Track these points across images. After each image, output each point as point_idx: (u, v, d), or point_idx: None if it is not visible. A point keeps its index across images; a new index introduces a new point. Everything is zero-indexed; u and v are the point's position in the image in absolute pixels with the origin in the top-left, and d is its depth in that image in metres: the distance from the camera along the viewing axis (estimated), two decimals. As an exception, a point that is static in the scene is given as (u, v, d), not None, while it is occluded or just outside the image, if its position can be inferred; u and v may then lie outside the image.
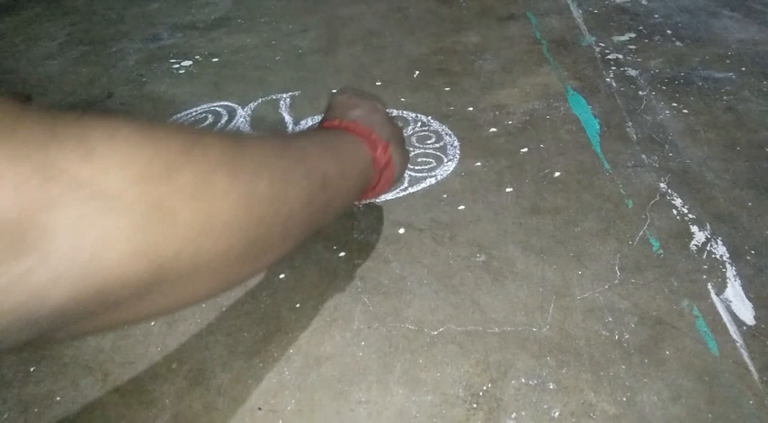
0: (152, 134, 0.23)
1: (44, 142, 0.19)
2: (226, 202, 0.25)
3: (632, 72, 0.89)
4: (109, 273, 0.20)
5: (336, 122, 0.44)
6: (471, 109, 0.82)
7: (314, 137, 0.39)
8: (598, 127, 0.76)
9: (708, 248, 0.56)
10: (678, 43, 0.98)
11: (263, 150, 0.30)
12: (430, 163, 0.72)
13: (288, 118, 0.84)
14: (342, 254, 0.58)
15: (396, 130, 0.49)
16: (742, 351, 0.46)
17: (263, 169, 0.29)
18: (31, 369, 0.49)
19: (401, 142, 0.50)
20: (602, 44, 0.99)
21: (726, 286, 0.52)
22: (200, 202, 0.24)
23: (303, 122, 0.82)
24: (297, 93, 0.91)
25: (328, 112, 0.49)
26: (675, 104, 0.80)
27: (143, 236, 0.21)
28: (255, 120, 0.84)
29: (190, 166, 0.24)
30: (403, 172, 0.51)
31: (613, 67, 0.91)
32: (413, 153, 0.74)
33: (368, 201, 0.47)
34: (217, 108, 0.88)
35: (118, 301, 0.22)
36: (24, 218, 0.18)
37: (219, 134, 0.29)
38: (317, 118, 0.83)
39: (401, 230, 0.61)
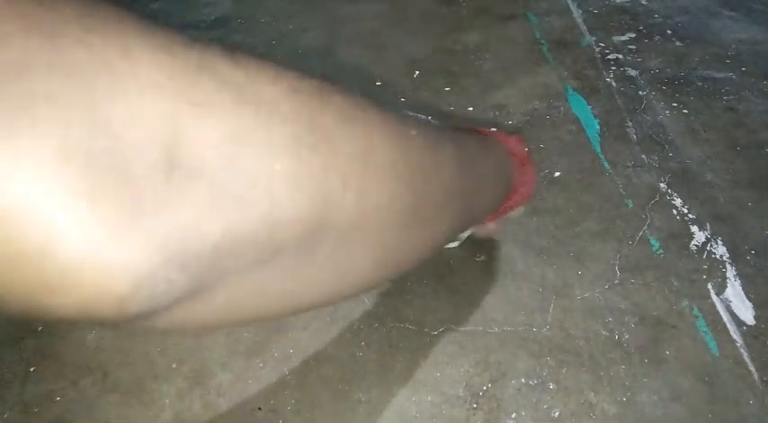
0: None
1: (191, 44, 0.16)
2: (381, 137, 0.22)
3: (632, 72, 0.89)
4: (273, 198, 0.17)
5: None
6: (471, 109, 0.82)
7: (448, 131, 0.36)
8: (598, 127, 0.76)
9: (708, 248, 0.56)
10: (678, 43, 0.98)
11: (386, 127, 0.25)
12: (430, 163, 0.72)
13: (288, 118, 0.84)
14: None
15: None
16: (742, 351, 0.46)
17: (414, 125, 0.25)
18: (31, 369, 0.49)
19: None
20: (602, 44, 0.99)
21: (726, 286, 0.52)
22: (357, 128, 0.20)
23: (303, 122, 0.82)
24: (297, 93, 0.91)
25: None
26: (675, 104, 0.80)
27: (308, 153, 0.18)
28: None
29: (341, 92, 0.21)
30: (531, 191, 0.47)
31: (613, 67, 0.91)
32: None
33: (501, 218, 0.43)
34: (217, 108, 0.88)
35: (280, 247, 0.18)
36: (176, 123, 0.14)
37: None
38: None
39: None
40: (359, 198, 0.20)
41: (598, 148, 0.72)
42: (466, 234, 0.44)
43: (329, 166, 0.19)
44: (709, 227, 0.59)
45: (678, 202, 0.62)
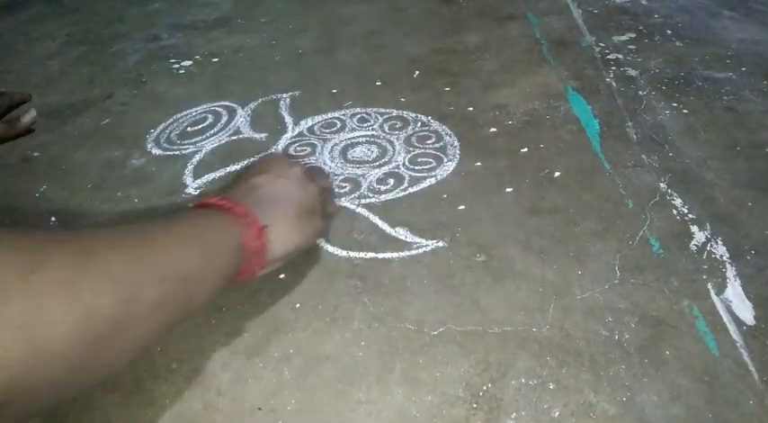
0: None
1: None
2: (59, 330, 0.25)
3: (632, 72, 0.89)
4: None
5: (213, 200, 0.42)
6: (471, 109, 0.82)
7: (178, 225, 0.37)
8: (598, 127, 0.76)
9: (708, 248, 0.56)
10: (678, 43, 0.98)
11: (115, 260, 0.29)
12: (430, 163, 0.72)
13: (288, 118, 0.84)
14: (342, 254, 0.58)
15: (304, 200, 0.46)
16: (742, 351, 0.46)
17: (110, 285, 0.28)
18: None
19: (307, 213, 0.47)
20: (602, 44, 0.99)
21: (726, 286, 0.52)
22: (30, 331, 0.24)
23: (303, 122, 0.82)
24: (297, 93, 0.91)
25: (237, 174, 0.47)
26: (675, 104, 0.80)
27: None
28: (255, 120, 0.84)
29: (23, 294, 0.24)
30: (305, 245, 0.47)
31: (613, 67, 0.91)
32: (413, 153, 0.74)
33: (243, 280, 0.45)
34: (217, 108, 0.88)
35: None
36: None
37: (67, 245, 0.27)
38: (317, 118, 0.83)
39: (401, 230, 0.61)
40: (24, 384, 0.24)
41: (598, 148, 0.72)
42: None
43: None
44: (709, 227, 0.59)
45: (678, 202, 0.63)
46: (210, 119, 0.85)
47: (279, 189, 0.45)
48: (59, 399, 0.29)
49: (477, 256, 0.57)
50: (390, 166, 0.72)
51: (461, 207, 0.64)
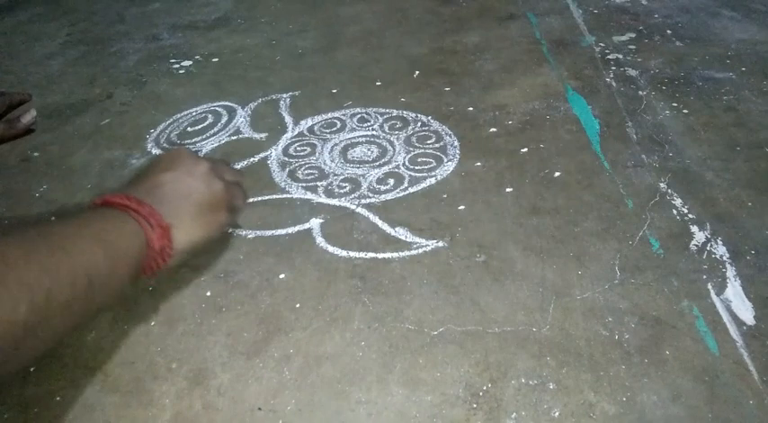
0: None
1: None
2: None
3: (632, 72, 0.89)
4: None
5: (118, 199, 0.42)
6: (471, 109, 0.82)
7: (86, 228, 0.39)
8: (598, 127, 0.76)
9: (708, 248, 0.56)
10: (678, 43, 0.98)
11: (29, 269, 0.31)
12: (430, 163, 0.72)
13: (288, 118, 0.84)
14: (342, 254, 0.58)
15: (208, 197, 0.47)
16: (742, 351, 0.46)
17: (26, 294, 0.30)
18: (31, 369, 0.49)
19: (211, 209, 0.48)
20: (602, 44, 0.99)
21: (726, 286, 0.52)
22: None
23: (303, 122, 0.82)
24: (297, 93, 0.91)
25: (143, 170, 0.50)
26: (675, 104, 0.80)
27: None
28: (255, 120, 0.84)
29: None
30: (209, 238, 0.47)
31: (613, 67, 0.91)
32: (413, 153, 0.74)
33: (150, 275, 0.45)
34: (217, 108, 0.88)
35: None
36: None
37: None
38: (317, 118, 0.83)
39: (401, 230, 0.61)
40: None
41: (598, 148, 0.72)
42: None
43: None
44: (709, 227, 0.59)
45: (678, 202, 0.62)
46: (210, 119, 0.85)
47: (183, 186, 0.46)
48: None
49: (477, 256, 0.57)
50: (390, 166, 0.72)
51: (461, 207, 0.64)
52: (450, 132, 0.77)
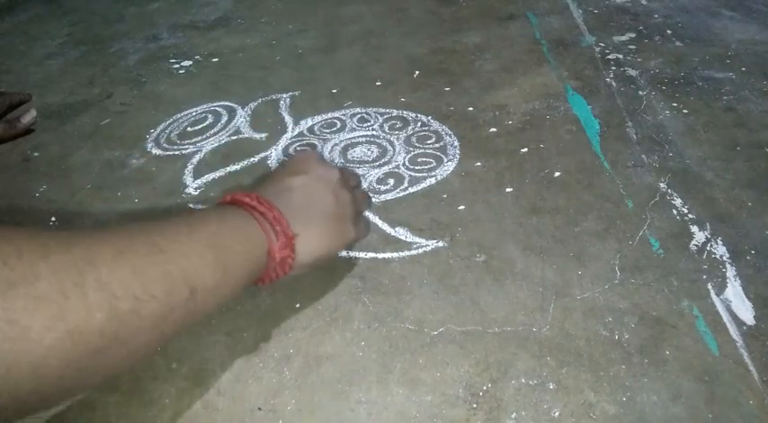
0: None
1: None
2: (38, 346, 0.24)
3: (632, 72, 0.89)
4: None
5: (248, 198, 0.39)
6: (471, 109, 0.82)
7: (197, 230, 0.35)
8: (598, 127, 0.76)
9: (708, 248, 0.56)
10: (678, 43, 0.98)
11: (114, 272, 0.27)
12: (430, 163, 0.72)
13: (288, 118, 0.84)
14: (342, 254, 0.58)
15: (337, 208, 0.44)
16: (742, 351, 0.46)
17: (104, 301, 0.26)
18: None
19: (338, 221, 0.45)
20: (602, 44, 0.99)
21: (726, 286, 0.52)
22: (3, 346, 0.23)
23: (303, 122, 0.82)
24: (297, 93, 0.91)
25: (273, 171, 0.46)
26: (675, 104, 0.80)
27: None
28: (255, 120, 0.84)
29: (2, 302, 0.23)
30: (333, 254, 0.45)
31: (613, 67, 0.91)
32: (413, 153, 0.74)
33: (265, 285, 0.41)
34: (217, 108, 0.88)
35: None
36: None
37: (60, 256, 0.26)
38: (317, 118, 0.83)
39: (401, 230, 0.61)
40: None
41: (598, 148, 0.72)
42: None
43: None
44: (709, 227, 0.59)
45: (678, 202, 0.63)
46: (210, 119, 0.85)
47: (314, 194, 0.43)
48: (48, 404, 0.28)
49: (477, 256, 0.57)
50: (390, 166, 0.72)
51: (461, 207, 0.64)
52: (450, 132, 0.77)
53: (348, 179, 0.49)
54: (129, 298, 0.27)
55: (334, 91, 0.90)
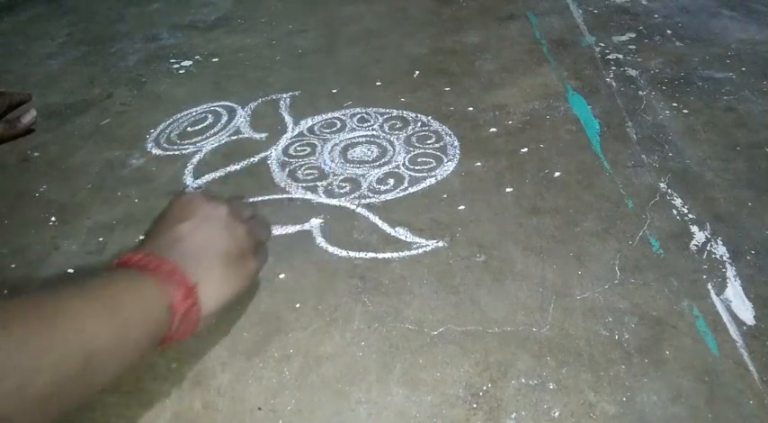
0: None
1: None
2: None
3: (632, 72, 0.89)
4: None
5: (137, 258, 0.37)
6: (471, 109, 0.82)
7: (91, 293, 0.33)
8: (598, 127, 0.76)
9: (708, 248, 0.56)
10: (678, 43, 0.98)
11: (6, 339, 0.25)
12: (430, 163, 0.72)
13: (288, 118, 0.84)
14: (342, 254, 0.58)
15: (233, 244, 0.42)
16: (742, 351, 0.46)
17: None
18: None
19: (237, 258, 0.42)
20: (602, 44, 0.99)
21: (726, 286, 0.52)
22: None
23: (303, 122, 0.82)
24: (297, 93, 0.91)
25: (156, 222, 0.42)
26: (675, 104, 0.80)
27: None
28: (255, 120, 0.84)
29: None
30: (239, 293, 0.43)
31: (613, 67, 0.91)
32: (413, 153, 0.74)
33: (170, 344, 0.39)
34: (217, 108, 0.88)
35: None
36: None
37: None
38: (317, 118, 0.83)
39: (401, 230, 0.61)
40: None
41: (598, 148, 0.72)
42: None
43: None
44: (709, 227, 0.59)
45: (678, 202, 0.63)
46: (210, 119, 0.85)
47: (206, 236, 0.41)
48: None
49: (477, 256, 0.57)
50: (390, 166, 0.72)
51: (461, 207, 0.64)
52: (450, 132, 0.77)
53: (239, 212, 0.46)
54: (15, 375, 0.25)
55: (334, 91, 0.90)
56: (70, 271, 0.60)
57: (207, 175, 0.73)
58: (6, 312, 0.27)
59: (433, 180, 0.68)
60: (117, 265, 0.38)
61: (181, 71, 1.02)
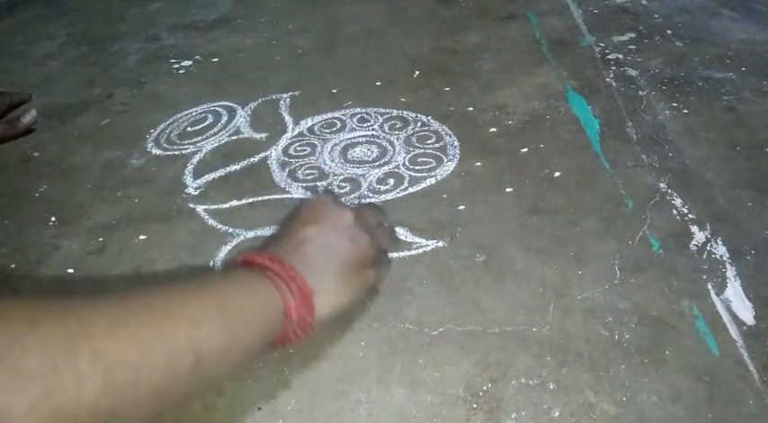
0: None
1: None
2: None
3: (632, 72, 0.89)
4: None
5: (259, 258, 0.37)
6: (471, 109, 0.82)
7: (207, 290, 0.33)
8: (598, 127, 0.76)
9: (708, 248, 0.56)
10: (678, 43, 0.98)
11: (111, 341, 0.25)
12: (430, 163, 0.72)
13: (288, 118, 0.84)
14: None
15: (354, 255, 0.42)
16: (742, 351, 0.46)
17: (97, 373, 0.24)
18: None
19: (357, 269, 0.43)
20: (602, 44, 0.99)
21: (726, 286, 0.52)
22: None
23: (303, 122, 0.82)
24: (297, 93, 0.91)
25: (284, 222, 0.43)
26: (675, 104, 0.80)
27: None
28: (255, 120, 0.84)
29: None
30: (354, 303, 0.43)
31: (613, 67, 0.91)
32: (413, 153, 0.74)
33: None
34: (217, 108, 0.88)
35: None
36: None
37: (50, 327, 0.24)
38: (317, 118, 0.83)
39: (401, 230, 0.61)
40: None
41: (598, 148, 0.72)
42: None
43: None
44: (709, 227, 0.59)
45: (678, 202, 0.63)
46: (210, 119, 0.85)
47: (329, 243, 0.41)
48: None
49: (477, 256, 0.57)
50: (390, 166, 0.72)
51: (461, 207, 0.64)
52: (450, 132, 0.77)
53: (366, 218, 0.46)
54: (126, 369, 0.25)
55: (334, 91, 0.90)
56: (70, 271, 0.60)
57: (207, 175, 0.73)
58: (116, 306, 0.27)
59: (433, 180, 0.68)
60: (240, 263, 0.38)
61: (181, 71, 1.02)
